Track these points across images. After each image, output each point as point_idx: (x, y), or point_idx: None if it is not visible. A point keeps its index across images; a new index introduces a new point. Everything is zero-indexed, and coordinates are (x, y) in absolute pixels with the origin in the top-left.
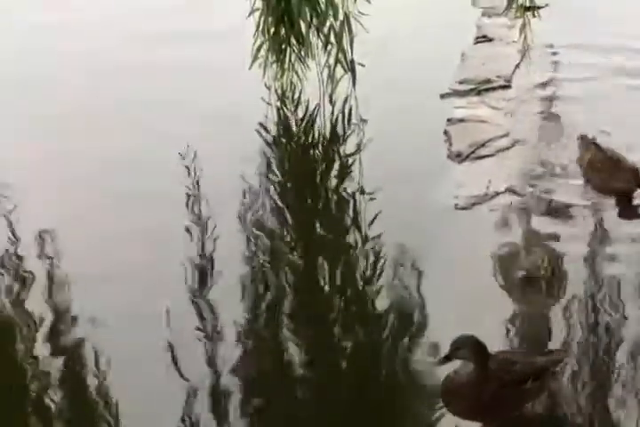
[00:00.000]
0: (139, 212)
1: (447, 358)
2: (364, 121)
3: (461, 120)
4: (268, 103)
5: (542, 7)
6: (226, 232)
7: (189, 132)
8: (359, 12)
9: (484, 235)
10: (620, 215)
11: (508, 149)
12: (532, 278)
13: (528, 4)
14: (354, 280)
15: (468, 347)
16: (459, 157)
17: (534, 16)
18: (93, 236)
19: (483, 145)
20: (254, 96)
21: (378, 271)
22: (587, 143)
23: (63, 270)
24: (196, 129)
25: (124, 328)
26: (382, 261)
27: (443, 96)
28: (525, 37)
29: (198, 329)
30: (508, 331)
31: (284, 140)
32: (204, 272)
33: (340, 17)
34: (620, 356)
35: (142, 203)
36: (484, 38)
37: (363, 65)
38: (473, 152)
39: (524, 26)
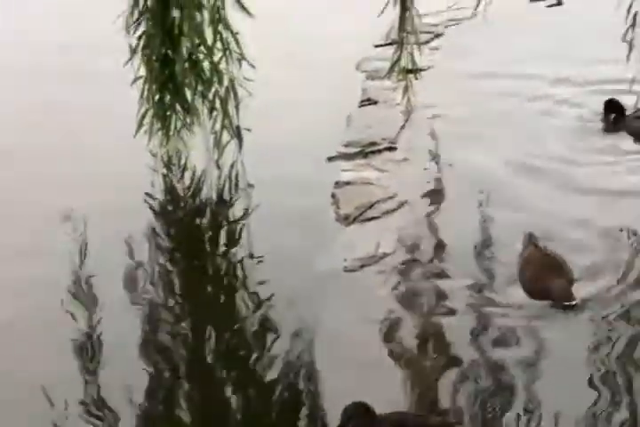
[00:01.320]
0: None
1: None
2: (252, 186)
3: (348, 183)
4: (154, 170)
5: (424, 70)
6: (112, 302)
7: (75, 202)
8: (244, 78)
9: (373, 298)
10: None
11: (394, 210)
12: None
13: (410, 67)
14: (242, 348)
15: (360, 414)
16: (346, 220)
17: (416, 78)
18: None
19: (370, 207)
20: (140, 163)
21: (267, 338)
22: (529, 242)
23: None
24: (82, 198)
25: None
26: (271, 326)
27: (330, 159)
28: (408, 99)
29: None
30: (399, 395)
31: (170, 208)
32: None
33: (225, 83)
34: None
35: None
36: (368, 101)
37: (249, 130)
38: (360, 214)
39: (406, 88)
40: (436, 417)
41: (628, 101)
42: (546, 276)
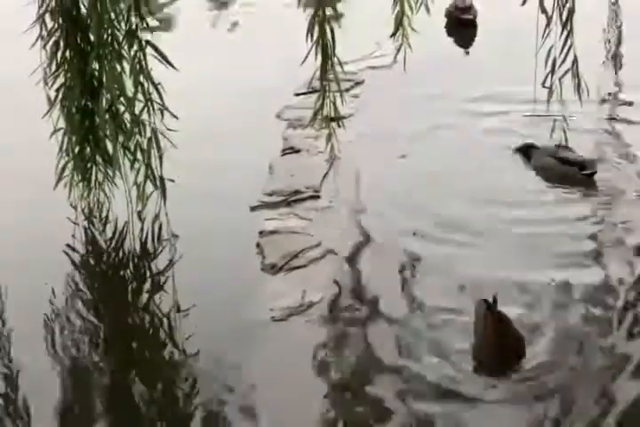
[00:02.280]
0: None
1: None
2: (176, 237)
3: (273, 232)
4: (75, 223)
5: (346, 118)
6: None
7: None
8: (167, 129)
9: (302, 347)
10: None
11: (320, 258)
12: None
13: (333, 115)
14: (169, 402)
15: None
16: (272, 269)
17: (339, 126)
18: None
19: (296, 256)
20: (60, 216)
21: (195, 391)
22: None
23: None
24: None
25: None
26: (200, 378)
27: (253, 209)
28: (332, 147)
29: None
30: None
31: (92, 261)
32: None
33: (147, 134)
34: None
35: None
36: (290, 149)
37: (172, 181)
38: (286, 263)
39: (329, 136)
40: None
41: None
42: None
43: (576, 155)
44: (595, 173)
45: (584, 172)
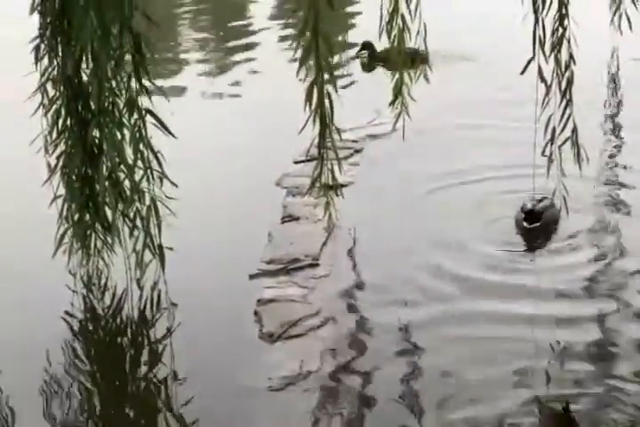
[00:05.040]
0: None
1: None
2: (175, 305)
3: (271, 300)
4: (74, 291)
5: (345, 186)
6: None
7: None
8: (166, 197)
9: (299, 417)
10: None
11: (319, 327)
12: None
13: (331, 183)
14: None
15: None
16: (270, 338)
17: (337, 195)
18: None
19: (294, 324)
20: (59, 284)
21: None
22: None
23: None
24: None
25: None
26: None
27: (252, 277)
28: (330, 215)
29: None
30: None
31: (90, 328)
32: None
33: (147, 202)
34: None
35: None
36: (289, 217)
37: (171, 249)
38: (284, 332)
39: (327, 204)
40: None
41: None
42: None
43: (539, 205)
44: (535, 227)
45: (525, 224)
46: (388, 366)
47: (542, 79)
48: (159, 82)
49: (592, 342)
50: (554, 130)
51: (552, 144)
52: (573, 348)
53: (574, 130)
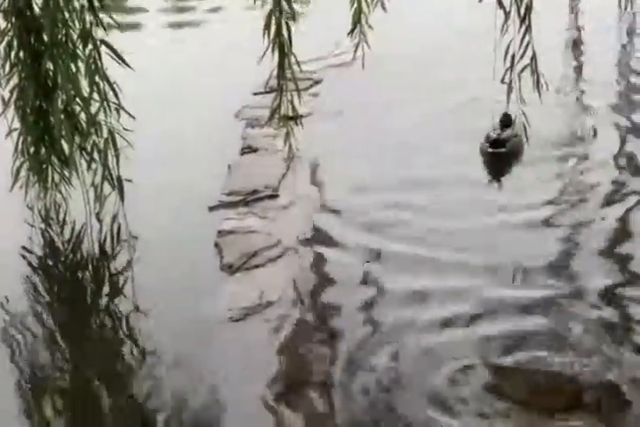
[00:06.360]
0: None
1: None
2: (135, 237)
3: (231, 232)
4: (32, 225)
5: (304, 116)
6: None
7: None
8: (124, 129)
9: (259, 347)
10: None
11: (279, 258)
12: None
13: (291, 114)
14: (128, 403)
15: None
16: (230, 269)
17: (297, 125)
18: None
19: (254, 255)
20: (17, 218)
21: (153, 390)
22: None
23: None
24: None
25: None
26: (158, 378)
27: (212, 209)
28: (290, 146)
29: None
30: None
31: (50, 262)
32: None
33: (104, 134)
34: None
35: None
36: (249, 149)
37: (130, 181)
38: (244, 263)
39: (287, 135)
40: None
41: None
42: None
43: (505, 133)
44: (501, 151)
45: (490, 149)
46: (350, 296)
47: (501, 5)
48: (118, 18)
49: None
50: (513, 56)
51: (511, 71)
52: None
53: (533, 57)
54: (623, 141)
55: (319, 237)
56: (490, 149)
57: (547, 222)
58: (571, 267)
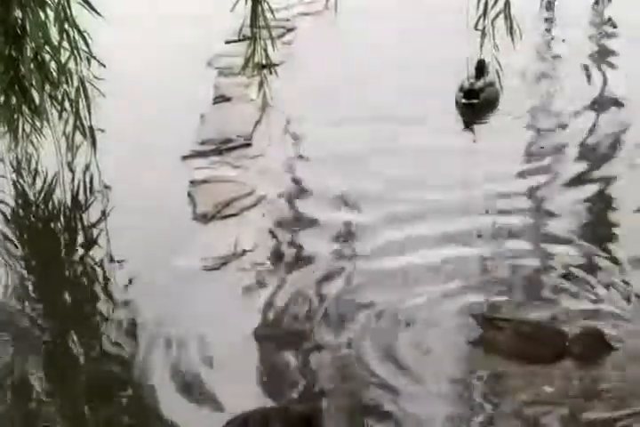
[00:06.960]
0: None
1: None
2: (108, 188)
3: (204, 181)
4: (3, 176)
5: (278, 65)
6: None
7: None
8: (95, 77)
9: (234, 296)
10: None
11: (253, 206)
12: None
13: (264, 62)
14: (104, 352)
15: None
16: (204, 218)
17: (271, 73)
18: None
19: (227, 205)
20: None
21: (129, 340)
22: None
23: None
24: None
25: None
26: (133, 328)
27: (184, 158)
28: (264, 95)
29: None
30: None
31: (22, 213)
32: None
33: (75, 83)
34: None
35: None
36: (222, 98)
37: (102, 131)
38: (218, 212)
39: (261, 84)
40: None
41: None
42: None
43: (478, 83)
44: (473, 103)
45: (464, 100)
46: (324, 245)
47: None
48: None
49: None
50: (486, 2)
51: (485, 18)
52: None
53: (507, 3)
54: None
55: (292, 186)
56: (464, 100)
57: None
58: None
